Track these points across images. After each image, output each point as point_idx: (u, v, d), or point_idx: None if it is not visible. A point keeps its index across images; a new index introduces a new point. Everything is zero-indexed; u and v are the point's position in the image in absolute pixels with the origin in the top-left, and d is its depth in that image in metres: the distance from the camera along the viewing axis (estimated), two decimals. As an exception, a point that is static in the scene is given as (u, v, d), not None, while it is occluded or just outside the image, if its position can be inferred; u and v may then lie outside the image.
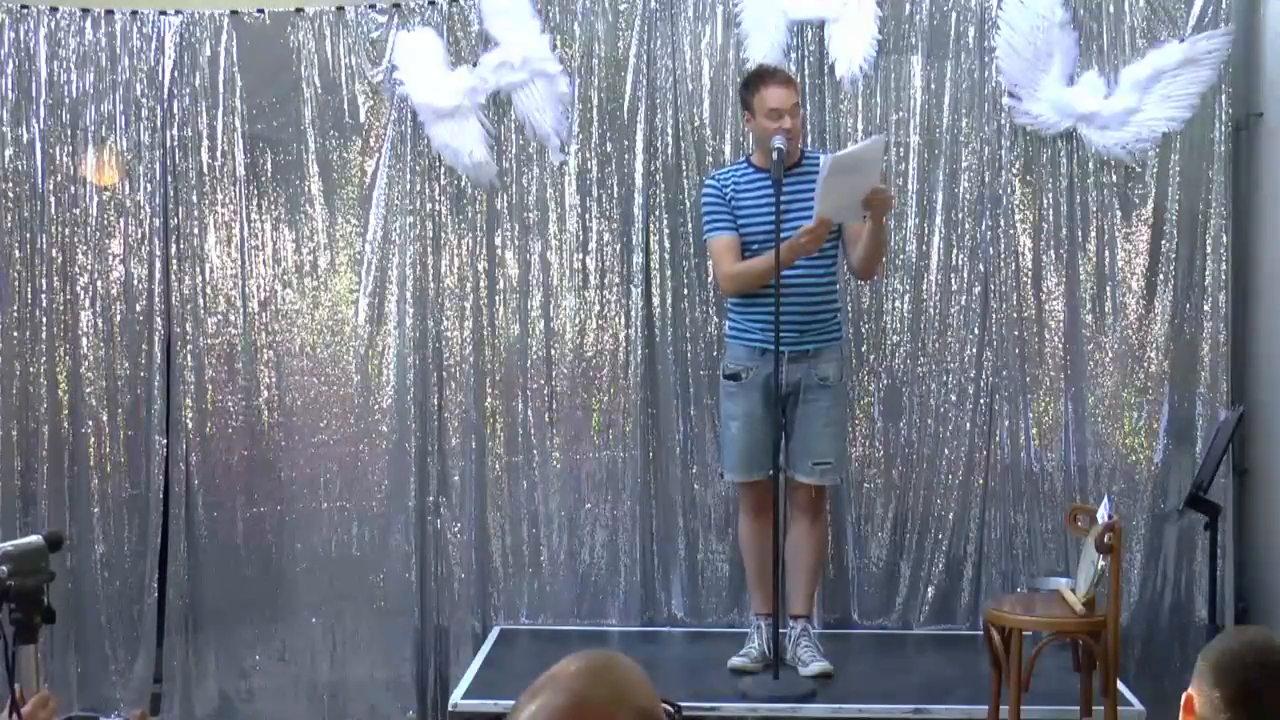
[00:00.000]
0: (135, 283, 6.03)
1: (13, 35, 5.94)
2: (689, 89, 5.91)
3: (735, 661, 5.30)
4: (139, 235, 6.03)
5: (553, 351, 5.98)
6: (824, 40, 5.83)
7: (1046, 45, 5.72)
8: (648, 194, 5.91)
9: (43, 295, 5.99)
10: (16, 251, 5.99)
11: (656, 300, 5.92)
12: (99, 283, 6.02)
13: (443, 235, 6.00)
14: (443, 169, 5.97)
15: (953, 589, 5.86)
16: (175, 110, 6.00)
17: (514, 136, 5.95)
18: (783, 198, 5.06)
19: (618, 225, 5.95)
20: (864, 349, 5.88)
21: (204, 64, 5.99)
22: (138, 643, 6.00)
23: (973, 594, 5.83)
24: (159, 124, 5.99)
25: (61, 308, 6.01)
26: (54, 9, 5.96)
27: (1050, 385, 5.83)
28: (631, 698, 1.75)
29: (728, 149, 5.88)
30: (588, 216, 5.96)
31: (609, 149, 5.95)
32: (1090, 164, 5.78)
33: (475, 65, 5.90)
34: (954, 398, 5.86)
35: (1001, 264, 5.83)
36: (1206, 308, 5.74)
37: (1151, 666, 5.65)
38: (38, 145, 5.97)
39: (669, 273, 5.92)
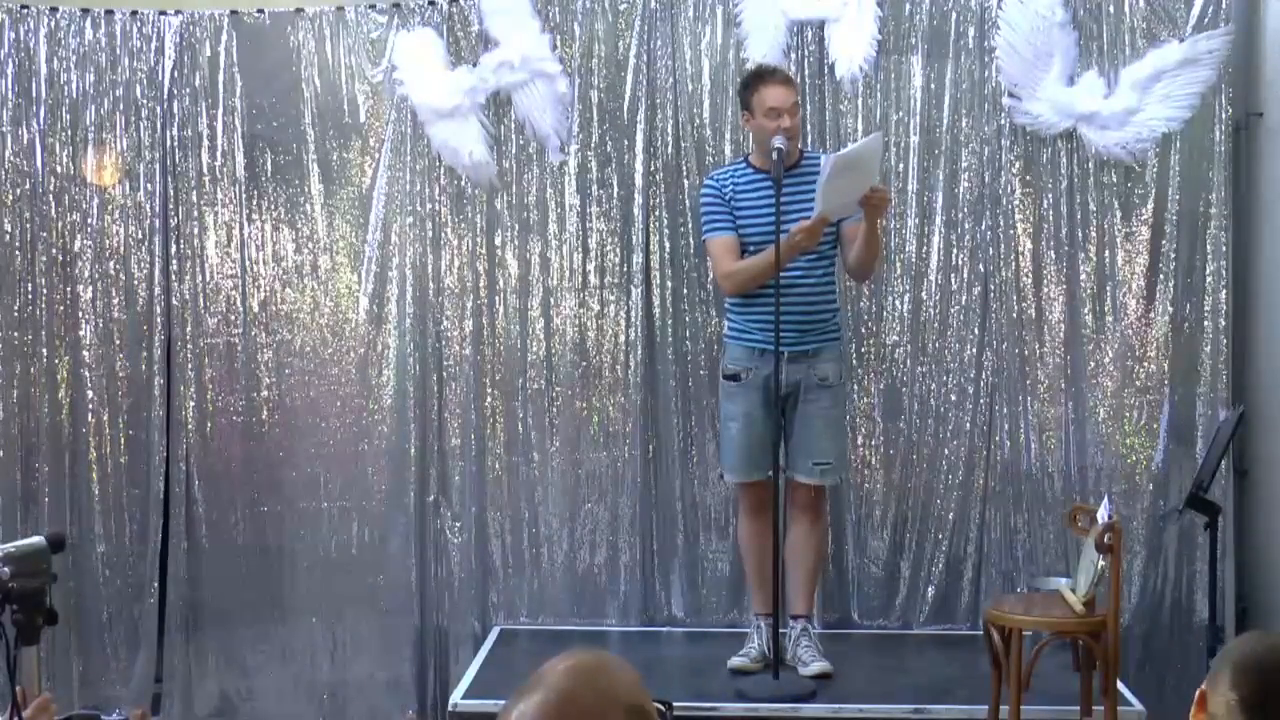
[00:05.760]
0: (135, 283, 6.03)
1: (13, 35, 5.95)
2: (689, 89, 5.91)
3: (735, 661, 5.30)
4: (139, 235, 6.04)
5: (553, 351, 5.98)
6: (824, 40, 5.83)
7: (1046, 45, 5.72)
8: (648, 194, 5.91)
9: (43, 295, 5.99)
10: (16, 252, 6.00)
11: (656, 300, 5.93)
12: (99, 283, 6.03)
13: (443, 235, 6.00)
14: (443, 169, 5.97)
15: (953, 589, 5.86)
16: (175, 110, 6.00)
17: (514, 136, 5.95)
18: (782, 198, 5.06)
19: (618, 225, 5.95)
20: (864, 349, 5.88)
21: (204, 64, 5.99)
22: (138, 642, 6.00)
23: (973, 594, 5.83)
24: (159, 124, 5.99)
25: (61, 308, 6.02)
26: (54, 9, 5.96)
27: (1050, 385, 5.83)
28: (621, 695, 1.77)
29: (728, 149, 5.88)
30: (588, 216, 5.96)
31: (609, 149, 5.95)
32: (1090, 164, 5.78)
33: (475, 65, 5.90)
34: (954, 398, 5.86)
35: (1001, 264, 5.83)
36: (1206, 308, 5.74)
37: (1151, 666, 5.65)
38: (38, 145, 5.97)
39: (669, 273, 5.93)
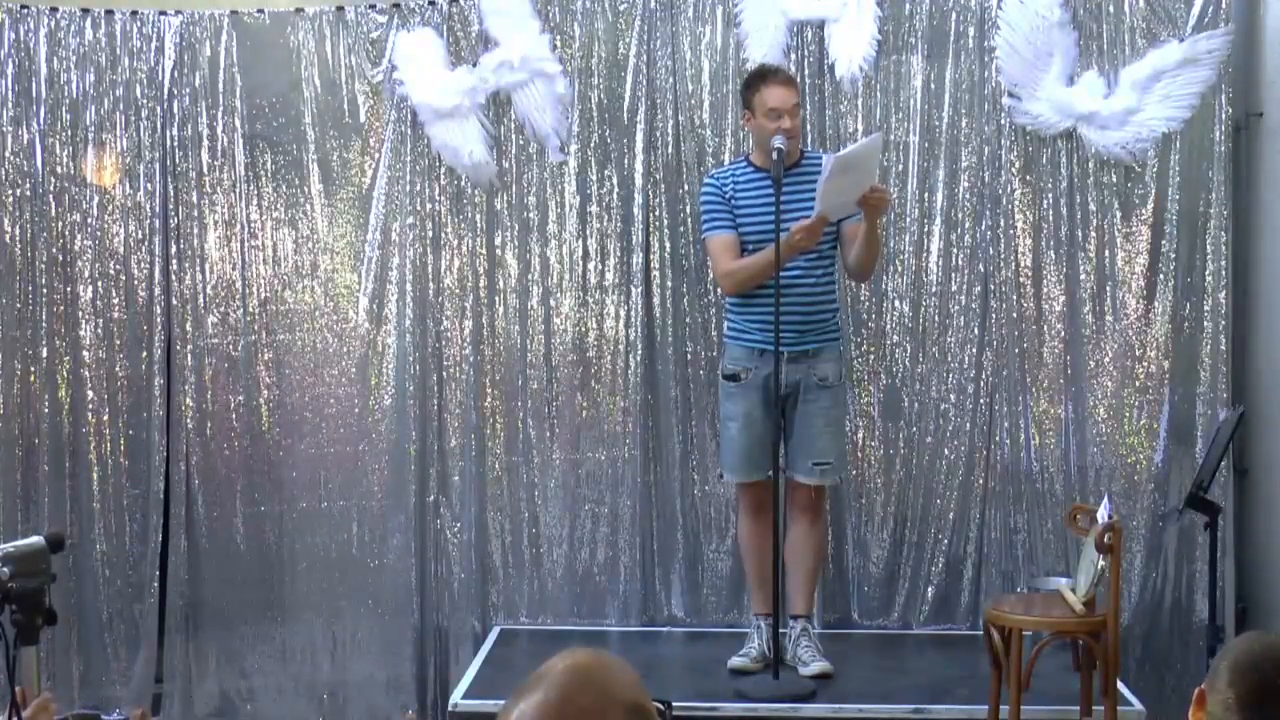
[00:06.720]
0: (135, 283, 6.03)
1: (13, 35, 5.95)
2: (689, 89, 5.91)
3: (735, 661, 5.30)
4: (139, 235, 6.04)
5: (553, 351, 5.99)
6: (824, 40, 5.83)
7: (1046, 45, 5.72)
8: (648, 194, 5.91)
9: (43, 295, 5.99)
10: (17, 251, 6.00)
11: (656, 300, 5.93)
12: (99, 283, 6.03)
13: (443, 235, 6.01)
14: (443, 169, 5.97)
15: (953, 589, 5.86)
16: (175, 110, 6.00)
17: (514, 136, 5.95)
18: (782, 197, 5.06)
19: (618, 225, 5.95)
20: (864, 349, 5.88)
21: (204, 64, 5.99)
22: (139, 642, 6.00)
23: (973, 594, 5.83)
24: (159, 124, 5.99)
25: (61, 308, 6.02)
26: (54, 9, 5.96)
27: (1050, 385, 5.83)
28: (621, 694, 1.77)
29: (728, 149, 5.88)
30: (588, 216, 5.96)
31: (609, 149, 5.95)
32: (1090, 164, 5.78)
33: (475, 65, 5.90)
34: (954, 398, 5.86)
35: (1001, 264, 5.83)
36: (1206, 308, 5.74)
37: (1151, 666, 5.65)
38: (38, 145, 5.97)
39: (669, 273, 5.93)
